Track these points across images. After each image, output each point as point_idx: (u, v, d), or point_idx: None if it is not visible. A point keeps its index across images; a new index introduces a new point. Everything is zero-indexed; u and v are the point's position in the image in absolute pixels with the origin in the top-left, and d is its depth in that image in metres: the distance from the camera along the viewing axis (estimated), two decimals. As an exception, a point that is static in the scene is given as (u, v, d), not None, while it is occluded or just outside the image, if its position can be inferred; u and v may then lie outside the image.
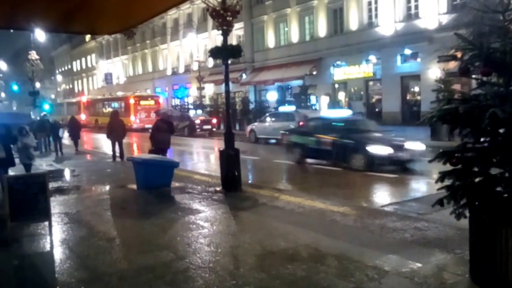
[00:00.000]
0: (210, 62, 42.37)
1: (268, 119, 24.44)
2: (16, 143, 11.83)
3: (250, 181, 12.37)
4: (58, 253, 6.52)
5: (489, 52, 4.78)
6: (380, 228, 7.02)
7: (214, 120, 32.32)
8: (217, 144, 22.99)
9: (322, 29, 34.62)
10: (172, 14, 49.12)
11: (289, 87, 36.91)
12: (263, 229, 7.21)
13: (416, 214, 8.02)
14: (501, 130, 4.75)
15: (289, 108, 24.72)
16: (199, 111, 36.50)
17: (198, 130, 30.92)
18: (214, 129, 31.60)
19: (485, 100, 4.79)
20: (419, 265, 5.43)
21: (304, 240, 6.56)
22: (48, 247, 6.88)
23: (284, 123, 21.21)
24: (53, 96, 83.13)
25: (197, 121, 31.44)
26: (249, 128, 25.76)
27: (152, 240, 6.87)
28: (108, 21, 3.83)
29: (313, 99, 34.23)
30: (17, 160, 11.64)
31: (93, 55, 71.72)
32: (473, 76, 5.19)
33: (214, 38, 40.88)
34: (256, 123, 25.49)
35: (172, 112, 16.96)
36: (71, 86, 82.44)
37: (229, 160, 10.36)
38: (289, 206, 8.73)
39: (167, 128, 13.83)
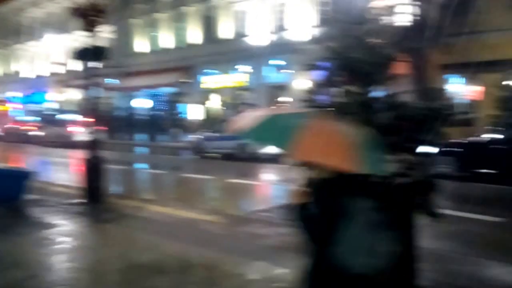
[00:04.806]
0: (74, 65, 39.93)
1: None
2: None
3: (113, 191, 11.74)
4: None
5: (352, 63, 5.03)
6: (247, 235, 7.04)
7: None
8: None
9: (194, 36, 34.59)
10: (29, 11, 45.47)
11: (161, 94, 36.25)
12: (128, 242, 6.81)
13: (282, 220, 8.19)
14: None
15: (69, 116, 29.43)
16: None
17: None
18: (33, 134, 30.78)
19: (347, 107, 5.01)
20: (286, 270, 5.50)
21: (171, 251, 6.31)
22: None
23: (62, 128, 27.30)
24: None
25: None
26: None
27: (-1, 259, 6.09)
28: None
29: (184, 106, 33.96)
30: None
31: None
32: (338, 85, 5.41)
33: (79, 39, 38.59)
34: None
35: None
36: None
37: (93, 169, 9.71)
38: (157, 217, 8.40)
39: None
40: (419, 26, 20.33)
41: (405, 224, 4.52)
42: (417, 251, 4.35)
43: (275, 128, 3.14)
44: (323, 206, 3.14)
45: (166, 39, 36.54)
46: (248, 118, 3.28)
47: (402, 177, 4.62)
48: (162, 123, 28.43)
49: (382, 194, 3.83)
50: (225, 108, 33.36)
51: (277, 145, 3.11)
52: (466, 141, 12.75)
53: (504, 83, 19.39)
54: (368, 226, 3.18)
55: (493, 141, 12.86)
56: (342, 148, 3.01)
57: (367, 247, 3.15)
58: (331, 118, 3.56)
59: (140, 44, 38.62)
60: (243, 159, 17.27)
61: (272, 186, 13.14)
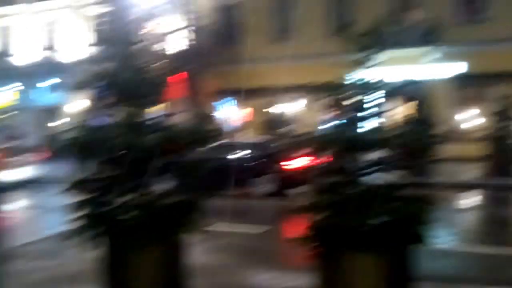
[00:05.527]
0: None
1: None
2: None
3: None
4: None
5: (121, 84, 4.97)
6: (11, 272, 6.24)
7: None
8: None
9: None
10: None
11: None
12: None
13: (49, 253, 7.50)
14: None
15: None
16: None
17: None
18: None
19: (117, 129, 4.89)
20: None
21: None
22: None
23: None
24: None
25: None
26: None
27: None
28: None
29: None
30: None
31: None
32: (109, 106, 5.28)
33: None
34: None
35: None
36: None
37: None
38: None
39: None
40: (192, 52, 21.50)
41: (170, 243, 4.59)
42: (185, 268, 4.45)
43: None
44: None
45: None
46: None
47: (166, 197, 4.72)
48: None
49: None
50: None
51: None
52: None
53: (267, 107, 21.90)
54: None
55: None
56: None
57: None
58: None
59: None
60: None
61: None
